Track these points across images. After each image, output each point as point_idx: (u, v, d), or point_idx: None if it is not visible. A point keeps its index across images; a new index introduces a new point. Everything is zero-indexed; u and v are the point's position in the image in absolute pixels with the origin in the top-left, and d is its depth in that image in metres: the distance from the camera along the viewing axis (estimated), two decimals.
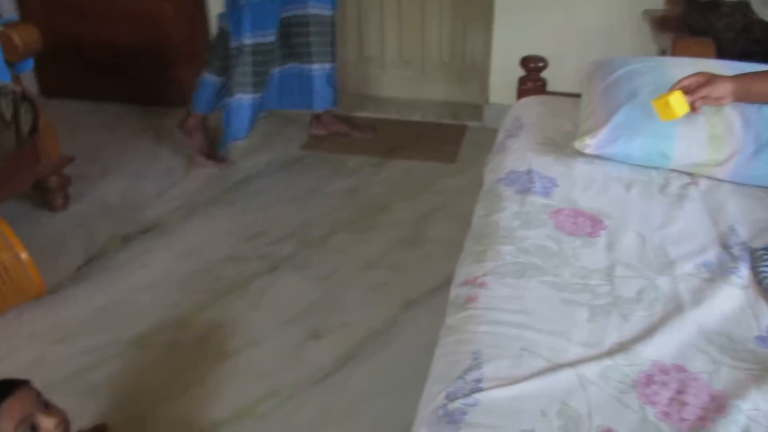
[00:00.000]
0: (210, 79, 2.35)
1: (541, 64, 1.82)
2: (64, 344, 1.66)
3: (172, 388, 1.53)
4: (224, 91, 2.33)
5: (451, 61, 2.92)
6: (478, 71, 2.86)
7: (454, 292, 1.12)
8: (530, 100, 1.77)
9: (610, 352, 0.94)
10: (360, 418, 1.46)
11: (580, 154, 1.43)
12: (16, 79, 1.96)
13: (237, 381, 1.56)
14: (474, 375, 0.89)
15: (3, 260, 1.66)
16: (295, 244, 2.04)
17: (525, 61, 1.83)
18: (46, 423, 1.14)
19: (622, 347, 0.95)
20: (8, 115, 1.73)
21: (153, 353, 1.64)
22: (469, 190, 2.29)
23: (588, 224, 1.23)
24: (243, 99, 2.28)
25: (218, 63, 2.33)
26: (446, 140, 2.67)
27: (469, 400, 0.85)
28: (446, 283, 1.86)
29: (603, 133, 1.39)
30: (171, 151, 2.57)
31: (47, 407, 1.17)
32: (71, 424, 1.35)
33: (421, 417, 0.88)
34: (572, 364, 0.92)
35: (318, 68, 2.39)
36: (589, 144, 1.40)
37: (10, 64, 1.91)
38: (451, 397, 0.87)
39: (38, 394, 1.17)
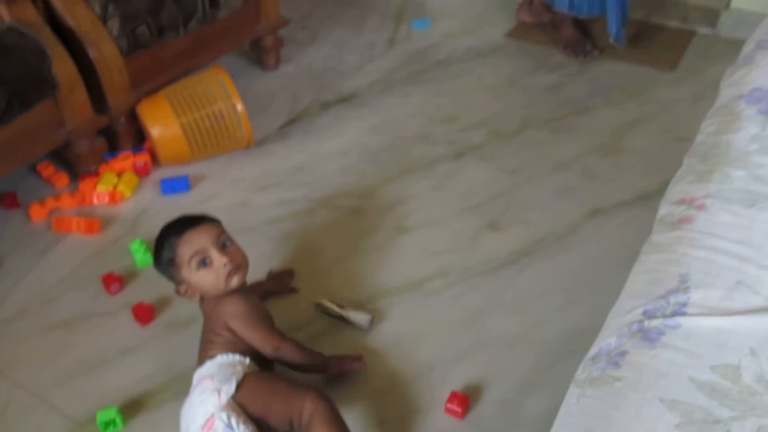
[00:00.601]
0: None
1: None
2: (264, 193, 1.82)
3: (351, 250, 1.64)
4: None
5: None
6: None
7: (666, 209, 1.05)
8: None
9: None
10: (523, 314, 1.47)
11: None
12: None
13: (411, 256, 1.62)
14: (679, 298, 0.85)
15: (221, 108, 1.82)
16: (485, 133, 2.01)
17: None
18: (218, 260, 1.27)
19: None
20: None
21: (338, 215, 1.75)
22: (685, 103, 2.09)
23: None
24: None
25: None
26: (668, 45, 2.40)
27: (670, 321, 0.82)
28: (639, 198, 1.76)
29: None
30: (375, 26, 2.58)
31: (224, 248, 1.29)
32: (264, 265, 1.51)
33: (610, 327, 0.86)
34: None
35: None
36: None
37: None
38: (649, 315, 0.84)
39: (221, 234, 1.31)
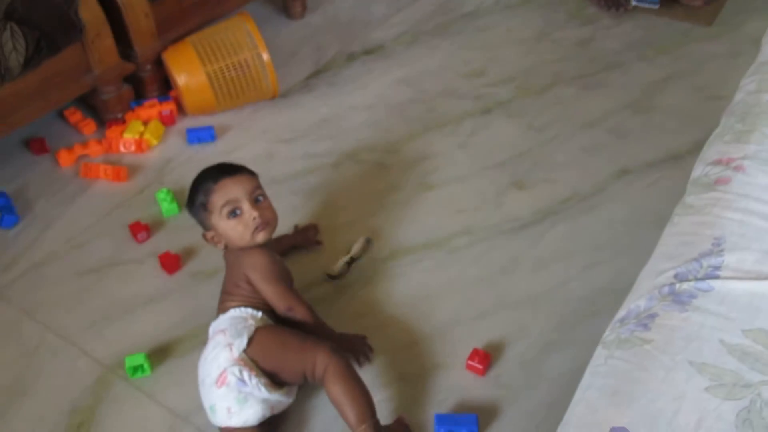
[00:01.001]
0: None
1: None
2: (289, 145, 1.81)
3: (375, 205, 1.63)
4: None
5: None
6: None
7: (701, 169, 1.03)
8: None
9: None
10: (547, 274, 1.47)
11: None
12: None
13: (435, 213, 1.62)
14: (712, 261, 0.84)
15: (246, 58, 1.80)
16: (513, 89, 1.97)
17: None
18: (248, 213, 1.27)
19: None
20: None
21: (363, 170, 1.74)
22: (721, 59, 2.02)
23: None
24: None
25: None
26: None
27: (703, 284, 0.81)
28: (670, 158, 1.73)
29: None
30: None
31: (257, 202, 1.30)
32: (287, 218, 1.51)
33: (640, 289, 0.86)
34: None
35: None
36: None
37: None
38: (681, 278, 0.83)
39: (256, 188, 1.30)
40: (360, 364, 1.29)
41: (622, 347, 0.81)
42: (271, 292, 1.26)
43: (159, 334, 1.37)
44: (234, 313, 1.23)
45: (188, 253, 1.53)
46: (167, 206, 1.61)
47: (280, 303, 1.26)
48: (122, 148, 1.77)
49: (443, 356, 1.32)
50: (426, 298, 1.43)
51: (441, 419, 1.19)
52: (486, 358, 1.29)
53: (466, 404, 1.25)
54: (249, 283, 1.27)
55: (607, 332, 0.87)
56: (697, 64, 2.02)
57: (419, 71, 2.05)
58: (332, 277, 1.46)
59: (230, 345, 1.16)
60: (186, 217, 1.59)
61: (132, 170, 1.73)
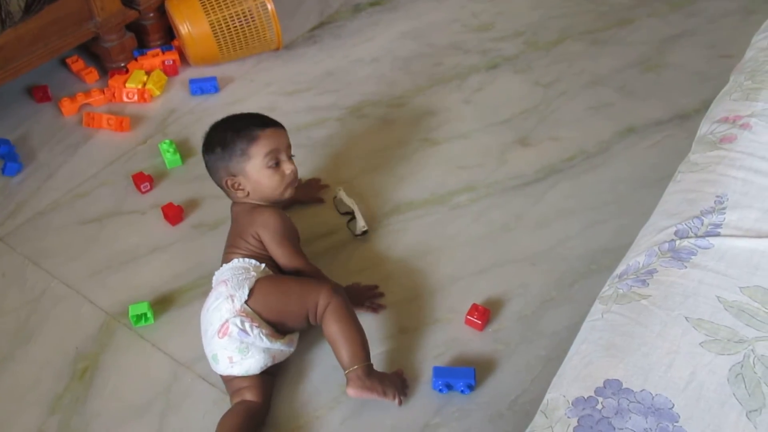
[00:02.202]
0: None
1: None
2: (293, 98, 1.79)
3: (379, 161, 1.63)
4: None
5: None
6: None
7: (707, 127, 1.01)
8: None
9: None
10: (548, 232, 1.47)
11: None
12: None
13: (438, 169, 1.61)
14: (713, 218, 0.83)
15: (250, 7, 1.77)
16: (520, 44, 1.94)
17: None
18: (288, 166, 1.29)
19: None
20: None
21: (367, 124, 1.73)
22: (735, 16, 1.98)
23: None
24: None
25: None
26: None
27: (703, 242, 0.81)
28: (677, 117, 1.71)
29: None
30: None
31: (291, 158, 1.31)
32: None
33: (640, 245, 0.86)
34: None
35: None
36: None
37: None
38: (681, 235, 0.83)
39: (289, 145, 1.31)
40: (375, 310, 1.31)
41: (619, 302, 0.82)
42: (280, 254, 1.26)
43: (162, 284, 1.39)
44: (237, 263, 1.24)
45: (191, 205, 1.53)
46: (170, 157, 1.60)
47: (288, 265, 1.27)
48: (125, 98, 1.75)
49: (443, 311, 1.33)
50: (427, 254, 1.43)
51: (439, 372, 1.21)
52: (485, 313, 1.30)
53: (464, 358, 1.26)
54: (257, 239, 1.27)
55: (605, 288, 0.88)
56: (709, 21, 1.98)
57: (426, 24, 2.01)
58: (335, 199, 1.50)
59: (232, 296, 1.17)
60: (189, 169, 1.60)
61: (135, 120, 1.72)
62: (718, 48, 1.88)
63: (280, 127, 1.33)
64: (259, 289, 1.19)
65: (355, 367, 1.16)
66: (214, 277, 1.26)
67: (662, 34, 1.95)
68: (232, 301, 1.17)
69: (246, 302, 1.17)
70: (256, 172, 1.27)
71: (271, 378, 1.21)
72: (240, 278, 1.20)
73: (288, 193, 1.30)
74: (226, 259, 1.28)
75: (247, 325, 1.15)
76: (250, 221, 1.28)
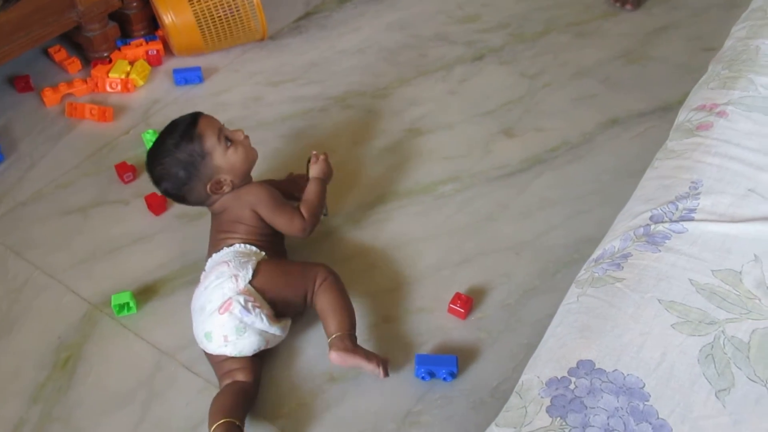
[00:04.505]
0: None
1: None
2: (277, 89, 1.79)
3: (364, 151, 1.63)
4: None
5: None
6: None
7: (685, 115, 1.03)
8: None
9: None
10: (531, 221, 1.48)
11: None
12: None
13: (423, 159, 1.61)
14: (688, 203, 0.85)
15: None
16: (506, 36, 1.94)
17: None
18: (236, 134, 1.32)
19: None
20: None
21: (352, 114, 1.73)
22: (718, 9, 2.00)
23: None
24: None
25: None
26: None
27: (677, 226, 0.82)
28: (660, 109, 1.72)
29: None
30: None
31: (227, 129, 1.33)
32: (275, 161, 1.51)
33: (615, 230, 0.87)
34: None
35: None
36: None
37: None
38: (656, 220, 0.84)
39: (216, 119, 1.33)
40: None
41: (594, 285, 0.83)
42: (282, 222, 1.30)
43: (145, 274, 1.38)
44: (238, 248, 1.25)
45: None
46: None
47: (290, 229, 1.30)
48: (108, 88, 1.75)
49: (426, 300, 1.34)
50: (411, 243, 1.44)
51: (421, 359, 1.22)
52: (468, 302, 1.31)
53: (447, 346, 1.27)
54: (252, 219, 1.28)
55: (581, 272, 0.89)
56: (693, 14, 1.99)
57: (412, 15, 2.01)
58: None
59: (235, 276, 1.18)
60: None
61: (118, 110, 1.71)
62: (701, 41, 1.90)
63: (200, 114, 1.33)
64: (261, 270, 1.21)
65: (339, 334, 1.17)
66: (209, 261, 1.26)
67: (646, 27, 1.96)
68: (236, 280, 1.18)
69: (250, 282, 1.18)
70: (224, 158, 1.28)
71: (260, 360, 1.22)
72: (242, 260, 1.22)
73: (255, 152, 1.34)
74: (219, 245, 1.27)
75: (249, 305, 1.16)
76: (240, 204, 1.29)
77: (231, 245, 1.26)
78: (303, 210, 1.32)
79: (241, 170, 1.31)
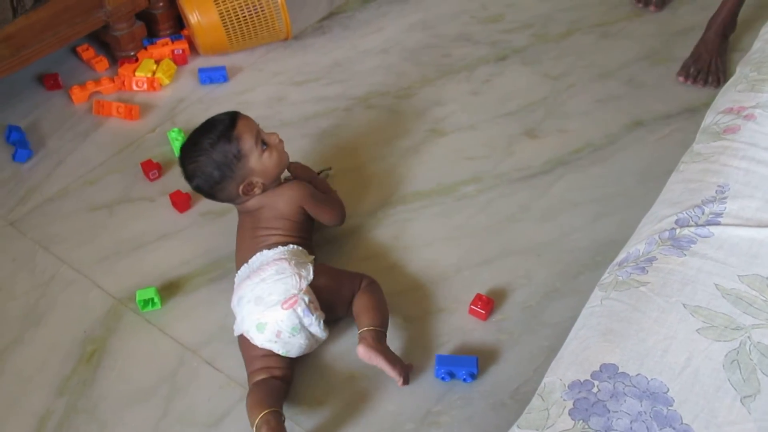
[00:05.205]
0: None
1: None
2: (300, 88, 1.80)
3: (386, 151, 1.63)
4: None
5: None
6: None
7: (712, 118, 1.02)
8: None
9: None
10: (553, 223, 1.47)
11: None
12: None
13: (445, 159, 1.61)
14: (714, 207, 0.84)
15: None
16: (530, 36, 1.93)
17: None
18: (272, 138, 1.33)
19: None
20: None
21: (374, 114, 1.73)
22: (747, 10, 1.96)
23: None
24: None
25: None
26: None
27: (703, 230, 0.82)
28: (686, 111, 1.70)
29: None
30: None
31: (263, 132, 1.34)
32: (301, 162, 1.51)
33: (640, 233, 0.86)
34: None
35: None
36: None
37: None
38: (681, 224, 0.84)
39: (253, 121, 1.34)
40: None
41: (618, 289, 0.82)
42: (327, 212, 1.36)
43: (169, 270, 1.40)
44: (292, 248, 1.26)
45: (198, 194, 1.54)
46: (179, 145, 1.60)
47: (337, 216, 1.38)
48: (134, 86, 1.77)
49: (447, 300, 1.34)
50: (432, 244, 1.44)
51: (442, 360, 1.22)
52: (489, 303, 1.31)
53: (467, 347, 1.27)
54: (297, 215, 1.30)
55: (605, 275, 0.88)
56: None
57: (436, 15, 2.01)
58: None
59: (299, 274, 1.20)
60: None
61: (144, 109, 1.74)
62: (730, 41, 1.87)
63: (238, 114, 1.34)
64: (317, 271, 1.23)
65: (371, 328, 1.18)
66: (259, 256, 1.24)
67: (672, 28, 1.94)
68: (299, 278, 1.19)
69: (309, 284, 1.21)
70: (259, 162, 1.29)
71: (290, 371, 1.22)
72: (301, 260, 1.24)
73: (288, 156, 1.37)
74: (262, 243, 1.27)
75: (312, 306, 1.18)
76: (285, 201, 1.31)
77: (283, 244, 1.26)
78: (336, 197, 1.41)
79: (273, 174, 1.32)
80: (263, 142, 1.31)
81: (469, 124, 1.69)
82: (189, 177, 1.32)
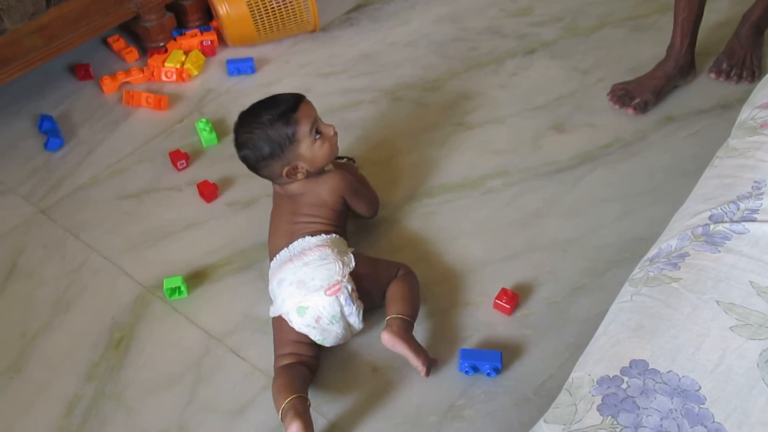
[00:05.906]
0: None
1: None
2: (328, 80, 1.80)
3: (413, 143, 1.63)
4: None
5: None
6: None
7: (748, 113, 0.99)
8: None
9: None
10: (580, 219, 1.45)
11: None
12: None
13: (472, 153, 1.60)
14: (750, 204, 0.82)
15: None
16: (559, 29, 1.91)
17: None
18: (327, 129, 1.33)
19: None
20: None
21: (402, 107, 1.73)
22: None
23: None
24: None
25: None
26: None
27: (738, 227, 0.80)
28: (718, 107, 1.67)
29: None
30: None
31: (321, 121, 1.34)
32: None
33: (673, 229, 0.85)
34: None
35: None
36: None
37: None
38: (716, 219, 0.82)
39: (314, 108, 1.34)
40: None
41: (649, 284, 0.81)
42: (365, 202, 1.37)
43: (196, 259, 1.42)
44: (334, 237, 1.27)
45: (226, 183, 1.55)
46: (207, 136, 1.63)
47: (373, 207, 1.40)
48: (164, 77, 1.79)
49: (472, 294, 1.34)
50: (458, 237, 1.43)
51: (466, 354, 1.22)
52: (514, 298, 1.30)
53: (492, 341, 1.27)
54: (337, 204, 1.31)
55: (635, 271, 0.87)
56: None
57: (463, 8, 2.00)
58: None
59: (343, 261, 1.21)
60: (224, 148, 1.62)
61: (173, 99, 1.75)
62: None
63: (302, 98, 1.33)
64: (357, 260, 1.24)
65: (400, 315, 1.19)
66: (299, 242, 1.24)
67: (707, 21, 1.89)
68: (342, 265, 1.20)
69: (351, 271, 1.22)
70: (309, 149, 1.29)
71: (317, 360, 1.23)
72: (343, 247, 1.25)
73: (337, 150, 1.37)
74: (304, 230, 1.27)
75: (354, 295, 1.20)
76: (327, 189, 1.31)
77: (326, 233, 1.26)
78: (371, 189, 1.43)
79: (319, 164, 1.32)
80: (318, 131, 1.31)
81: (496, 118, 1.68)
82: (239, 145, 1.32)
